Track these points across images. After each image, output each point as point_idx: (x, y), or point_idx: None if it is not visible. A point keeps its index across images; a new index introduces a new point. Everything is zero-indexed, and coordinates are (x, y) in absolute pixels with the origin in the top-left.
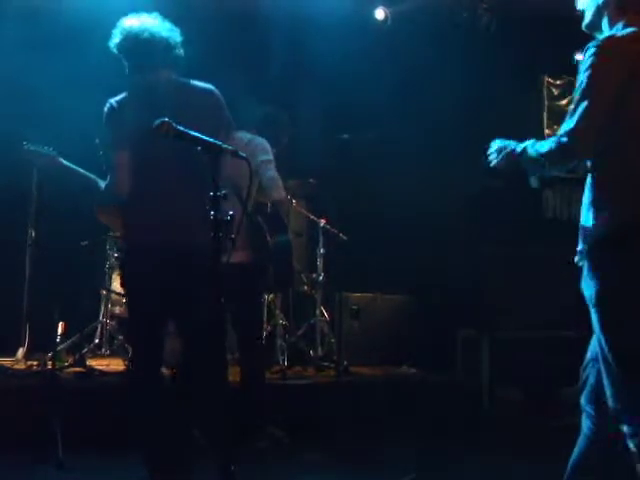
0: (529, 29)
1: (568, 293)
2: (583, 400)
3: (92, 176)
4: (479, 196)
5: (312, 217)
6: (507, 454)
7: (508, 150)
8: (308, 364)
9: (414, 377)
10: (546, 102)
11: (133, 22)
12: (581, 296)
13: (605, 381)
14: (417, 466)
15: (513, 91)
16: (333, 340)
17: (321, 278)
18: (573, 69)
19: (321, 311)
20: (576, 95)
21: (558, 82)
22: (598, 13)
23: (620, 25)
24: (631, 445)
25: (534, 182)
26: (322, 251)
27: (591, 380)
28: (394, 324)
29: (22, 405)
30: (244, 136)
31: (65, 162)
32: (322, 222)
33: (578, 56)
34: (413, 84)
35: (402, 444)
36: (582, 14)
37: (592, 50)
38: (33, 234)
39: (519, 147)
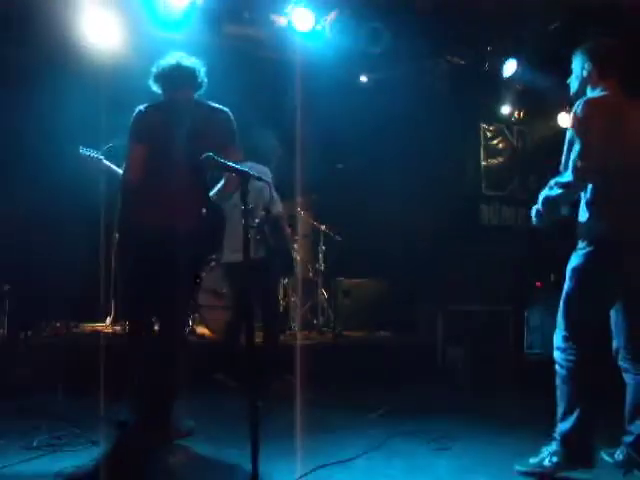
0: (472, 89)
1: (500, 278)
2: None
3: None
4: (439, 212)
5: (315, 223)
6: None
7: (537, 207)
8: (313, 329)
9: (389, 339)
10: (482, 142)
11: (168, 58)
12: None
13: (561, 324)
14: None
15: (460, 134)
16: (331, 311)
17: (322, 267)
18: (501, 119)
19: (322, 291)
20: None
21: (491, 128)
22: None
23: (597, 90)
24: (630, 380)
25: (565, 210)
26: (323, 248)
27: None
28: (375, 300)
29: (109, 359)
30: (245, 165)
31: (107, 163)
32: (323, 227)
33: (504, 109)
34: (391, 129)
35: (380, 387)
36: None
37: (582, 104)
38: (117, 236)
39: (540, 200)
